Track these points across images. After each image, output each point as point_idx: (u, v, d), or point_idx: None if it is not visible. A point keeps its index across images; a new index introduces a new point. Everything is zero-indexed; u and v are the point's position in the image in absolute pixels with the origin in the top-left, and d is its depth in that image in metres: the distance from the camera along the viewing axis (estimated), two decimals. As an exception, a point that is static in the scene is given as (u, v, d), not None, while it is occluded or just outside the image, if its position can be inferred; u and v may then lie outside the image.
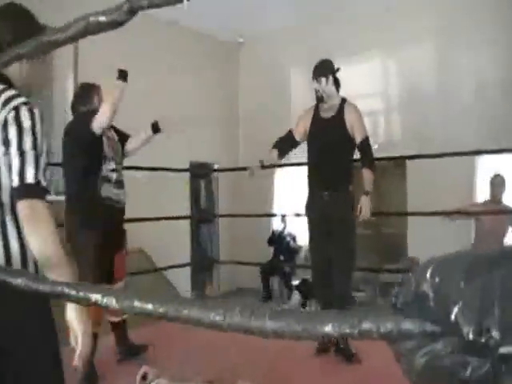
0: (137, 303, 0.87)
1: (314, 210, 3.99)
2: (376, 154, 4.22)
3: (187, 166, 7.22)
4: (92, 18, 0.73)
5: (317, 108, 4.07)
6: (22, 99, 1.61)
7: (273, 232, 8.82)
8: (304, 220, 4.20)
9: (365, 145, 3.93)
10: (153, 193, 6.84)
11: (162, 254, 6.74)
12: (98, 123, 3.26)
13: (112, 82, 3.33)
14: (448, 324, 0.50)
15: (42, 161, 1.57)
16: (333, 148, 3.90)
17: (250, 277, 9.01)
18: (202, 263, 5.90)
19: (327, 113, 4.00)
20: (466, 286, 0.49)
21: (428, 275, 0.52)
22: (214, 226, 8.88)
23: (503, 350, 0.46)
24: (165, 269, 6.31)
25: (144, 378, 2.70)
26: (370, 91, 8.48)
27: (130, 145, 3.78)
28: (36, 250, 1.50)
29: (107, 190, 3.46)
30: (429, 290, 0.51)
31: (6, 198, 1.58)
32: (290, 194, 9.12)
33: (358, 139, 3.90)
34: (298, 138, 4.13)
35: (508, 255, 0.52)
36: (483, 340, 0.47)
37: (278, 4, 7.80)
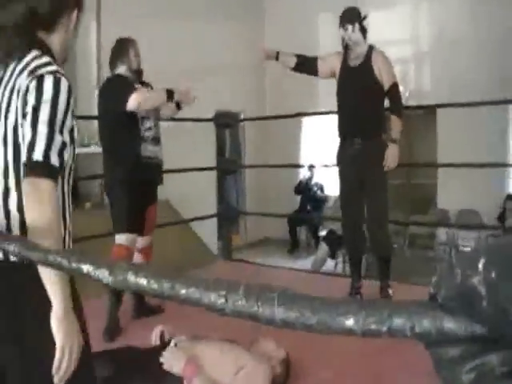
0: (131, 277, 0.76)
1: (345, 158, 3.93)
2: (406, 103, 4.13)
3: (212, 115, 7.10)
4: None
5: (345, 56, 4.00)
6: (51, 68, 1.46)
7: (300, 181, 8.73)
8: (331, 170, 4.14)
9: (393, 91, 3.90)
10: (178, 143, 6.74)
11: (188, 205, 6.70)
12: (131, 105, 3.38)
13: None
14: (507, 330, 0.37)
15: (60, 138, 1.43)
16: (363, 96, 3.84)
17: (277, 227, 8.97)
18: (228, 214, 5.81)
19: (355, 61, 3.95)
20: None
21: (480, 267, 0.39)
22: (241, 177, 8.79)
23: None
24: (191, 220, 6.27)
25: (161, 336, 2.65)
26: (400, 38, 8.21)
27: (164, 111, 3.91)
28: (32, 233, 1.38)
29: (144, 149, 3.60)
30: (481, 285, 0.39)
31: None
32: (317, 143, 8.98)
33: (387, 86, 3.86)
34: (320, 73, 4.13)
35: None
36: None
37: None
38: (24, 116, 1.41)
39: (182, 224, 6.54)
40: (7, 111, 1.46)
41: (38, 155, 1.37)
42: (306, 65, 4.13)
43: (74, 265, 0.86)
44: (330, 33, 9.28)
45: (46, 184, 1.36)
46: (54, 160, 1.39)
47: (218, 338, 2.66)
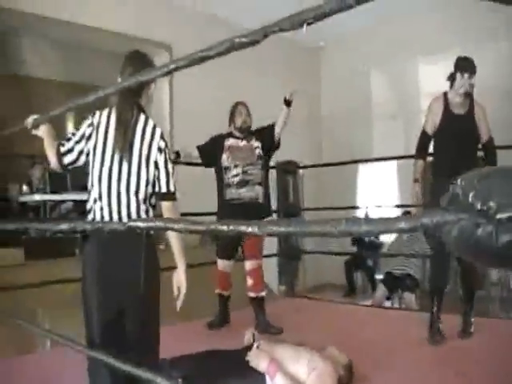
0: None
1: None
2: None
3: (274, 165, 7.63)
4: (237, 39, 1.11)
5: (446, 102, 4.21)
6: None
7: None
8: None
9: (490, 145, 4.24)
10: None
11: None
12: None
13: None
14: (467, 207, 0.83)
15: None
16: (465, 145, 4.12)
17: (334, 272, 9.33)
18: (292, 253, 6.26)
19: (459, 109, 4.19)
20: (478, 183, 0.82)
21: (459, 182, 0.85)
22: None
23: (500, 215, 0.79)
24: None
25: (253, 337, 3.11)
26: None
27: (277, 128, 4.76)
28: None
29: (230, 193, 4.59)
30: (460, 191, 0.84)
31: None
32: (372, 188, 9.45)
33: (484, 138, 4.19)
34: (430, 132, 4.26)
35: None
36: (487, 209, 0.79)
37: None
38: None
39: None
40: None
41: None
42: (427, 149, 4.34)
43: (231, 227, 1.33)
44: (382, 85, 9.92)
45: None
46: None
47: (293, 343, 3.11)
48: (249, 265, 4.63)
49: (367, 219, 0.95)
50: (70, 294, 4.11)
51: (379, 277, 8.05)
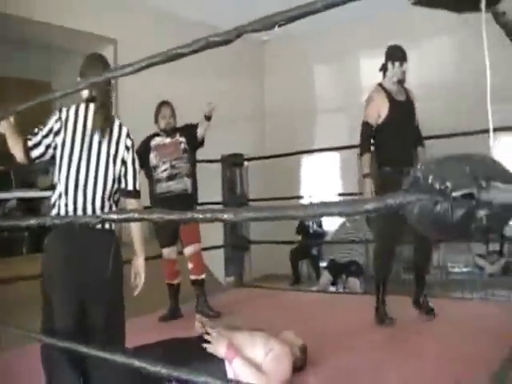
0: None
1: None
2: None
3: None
4: (211, 38, 1.19)
5: (386, 91, 4.33)
6: None
7: (301, 220, 9.27)
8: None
9: (418, 128, 4.47)
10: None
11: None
12: None
13: None
14: (428, 188, 0.94)
15: None
16: (410, 130, 4.35)
17: (279, 263, 9.48)
18: (240, 244, 6.36)
19: (399, 96, 4.35)
20: (436, 167, 0.94)
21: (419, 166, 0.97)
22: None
23: (454, 193, 0.91)
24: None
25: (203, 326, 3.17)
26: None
27: (199, 133, 4.91)
28: None
29: (160, 187, 4.79)
30: (420, 175, 0.96)
31: None
32: (316, 179, 9.68)
33: (417, 122, 4.44)
34: (374, 123, 4.31)
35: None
36: (444, 188, 0.91)
37: (301, 2, 8.27)
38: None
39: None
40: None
41: None
42: (370, 140, 4.35)
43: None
44: (325, 80, 10.14)
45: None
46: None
47: (249, 329, 3.22)
48: (188, 250, 4.84)
49: (338, 202, 1.06)
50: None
51: (323, 264, 8.26)
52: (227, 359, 2.89)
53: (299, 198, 9.22)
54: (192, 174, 4.91)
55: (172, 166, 4.77)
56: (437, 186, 0.94)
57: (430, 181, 0.95)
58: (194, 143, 4.92)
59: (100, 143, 2.50)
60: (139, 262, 2.69)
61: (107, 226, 2.46)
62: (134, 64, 1.35)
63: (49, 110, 3.75)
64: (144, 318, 4.72)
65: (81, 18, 7.04)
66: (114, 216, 1.44)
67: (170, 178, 4.76)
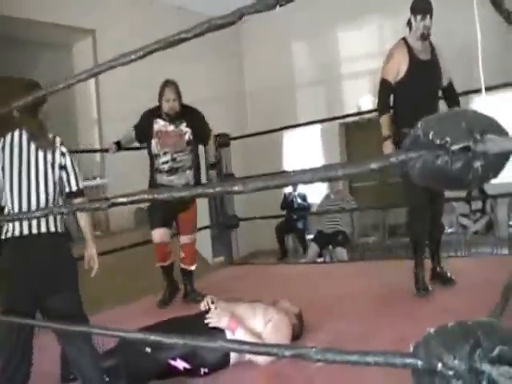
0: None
1: None
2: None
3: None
4: (214, 21, 1.24)
5: (409, 48, 4.06)
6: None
7: (284, 195, 9.36)
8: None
9: (452, 87, 4.25)
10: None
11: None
12: None
13: None
14: (428, 144, 1.02)
15: None
16: (433, 91, 4.09)
17: (265, 239, 9.59)
18: (229, 223, 6.41)
19: (423, 55, 4.07)
20: (436, 124, 1.02)
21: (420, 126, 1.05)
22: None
23: (453, 147, 0.98)
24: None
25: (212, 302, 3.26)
26: (369, 52, 9.00)
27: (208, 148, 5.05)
28: None
29: (160, 179, 4.61)
30: (421, 132, 1.04)
31: None
32: (298, 154, 9.75)
33: (446, 82, 4.19)
34: (392, 80, 4.05)
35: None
36: (444, 143, 0.99)
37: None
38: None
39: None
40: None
41: None
42: (389, 98, 4.13)
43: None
44: (304, 56, 10.18)
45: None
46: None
47: (248, 300, 3.32)
48: (183, 239, 4.82)
49: (344, 163, 1.13)
50: None
51: (310, 237, 8.38)
52: (230, 329, 2.99)
53: (282, 173, 9.31)
54: (196, 166, 4.75)
55: (173, 160, 4.59)
56: (437, 141, 1.02)
57: (430, 137, 1.03)
58: (199, 136, 4.75)
59: (37, 155, 2.70)
60: (91, 251, 2.93)
61: (53, 228, 2.66)
62: (137, 51, 1.37)
63: None
64: (133, 305, 4.84)
65: (56, 11, 6.99)
66: (124, 199, 1.48)
67: (172, 172, 4.60)
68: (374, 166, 1.11)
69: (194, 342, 1.78)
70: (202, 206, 7.76)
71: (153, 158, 4.66)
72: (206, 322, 3.04)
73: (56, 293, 2.62)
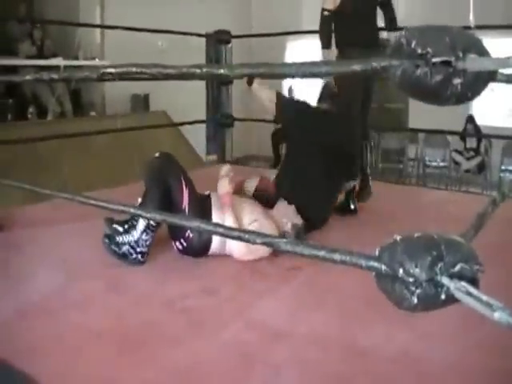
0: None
1: None
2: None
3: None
4: None
5: None
6: None
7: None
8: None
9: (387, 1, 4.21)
10: (172, 61, 7.27)
11: (183, 115, 7.17)
12: None
13: None
14: (410, 53, 1.04)
15: None
16: (371, 12, 4.16)
17: (260, 145, 9.63)
18: (225, 121, 6.41)
19: None
20: (419, 34, 1.03)
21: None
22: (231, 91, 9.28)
23: (434, 59, 1.00)
24: (180, 124, 6.79)
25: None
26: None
27: None
28: None
29: None
30: (404, 40, 1.05)
31: None
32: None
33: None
34: (331, 7, 4.07)
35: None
36: (425, 54, 1.00)
37: None
38: None
39: (178, 136, 7.15)
40: None
41: None
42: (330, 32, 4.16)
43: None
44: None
45: None
46: None
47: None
48: None
49: (328, 61, 1.15)
50: None
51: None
52: (222, 203, 3.11)
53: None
54: None
55: None
56: (418, 51, 1.03)
57: (412, 46, 1.04)
58: None
59: None
60: None
61: None
62: None
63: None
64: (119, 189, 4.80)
65: None
66: (112, 69, 1.51)
67: None
68: (356, 67, 1.13)
69: (171, 219, 1.85)
70: (200, 100, 7.76)
71: None
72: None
73: None
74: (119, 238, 2.99)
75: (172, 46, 7.59)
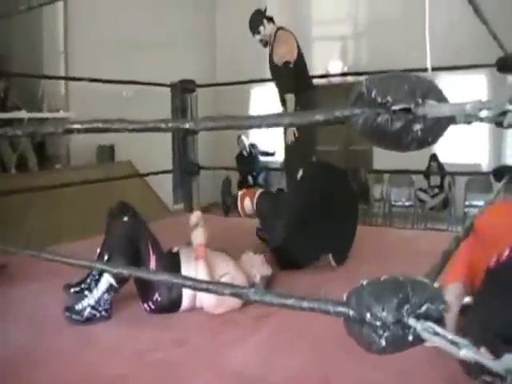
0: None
1: None
2: (345, 77, 5.17)
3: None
4: None
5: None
6: None
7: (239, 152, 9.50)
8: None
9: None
10: (137, 112, 7.31)
11: (149, 165, 7.20)
12: None
13: None
14: (371, 101, 1.06)
15: None
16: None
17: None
18: (190, 169, 6.43)
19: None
20: (380, 83, 1.06)
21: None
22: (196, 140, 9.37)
23: (394, 107, 1.03)
24: (147, 175, 6.80)
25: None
26: (340, 17, 9.02)
27: None
28: None
29: None
30: (365, 89, 1.08)
31: None
32: (264, 110, 9.75)
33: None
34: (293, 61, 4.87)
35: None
36: (385, 102, 1.03)
37: None
38: None
39: (144, 186, 7.14)
40: None
41: None
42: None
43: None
44: (277, 7, 10.11)
45: None
46: None
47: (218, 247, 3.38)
48: None
49: (291, 113, 1.18)
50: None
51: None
52: (196, 254, 3.07)
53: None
54: None
55: None
56: (379, 99, 1.06)
57: (372, 95, 1.07)
58: None
59: None
60: None
61: None
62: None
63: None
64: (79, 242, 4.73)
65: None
66: (78, 125, 1.51)
67: None
68: (319, 117, 1.15)
69: (138, 273, 1.82)
70: (166, 150, 7.78)
71: None
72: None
73: None
74: (78, 306, 2.92)
75: (137, 94, 7.63)
